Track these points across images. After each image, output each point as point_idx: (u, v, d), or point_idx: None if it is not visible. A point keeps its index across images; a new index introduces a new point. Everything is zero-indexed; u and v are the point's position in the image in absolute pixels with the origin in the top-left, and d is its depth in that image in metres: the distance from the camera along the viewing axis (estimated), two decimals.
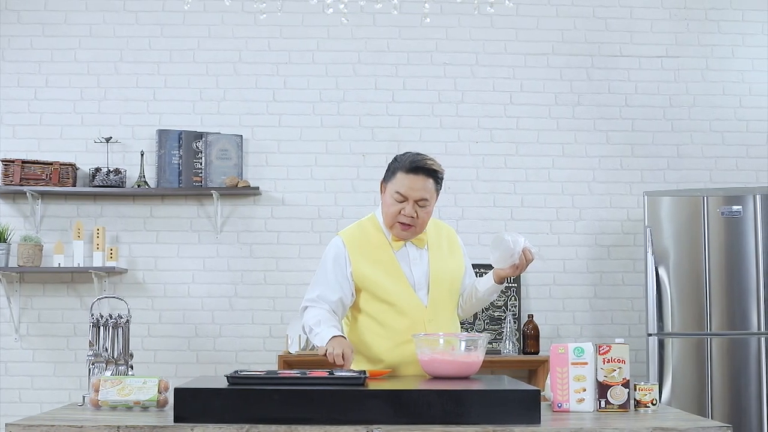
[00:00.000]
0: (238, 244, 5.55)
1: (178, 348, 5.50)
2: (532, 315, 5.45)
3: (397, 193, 3.12)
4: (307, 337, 3.23)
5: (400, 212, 3.13)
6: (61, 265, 5.36)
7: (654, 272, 5.03)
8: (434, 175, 3.15)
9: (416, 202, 3.12)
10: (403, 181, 3.12)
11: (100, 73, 5.59)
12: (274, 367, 5.31)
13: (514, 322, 5.46)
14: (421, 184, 3.12)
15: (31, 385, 5.45)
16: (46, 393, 5.42)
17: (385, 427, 2.33)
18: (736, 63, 5.76)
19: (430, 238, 3.27)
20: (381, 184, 3.24)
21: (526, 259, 3.10)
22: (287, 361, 5.10)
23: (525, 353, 5.38)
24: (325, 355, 3.01)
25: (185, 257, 5.54)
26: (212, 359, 5.48)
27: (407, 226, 3.15)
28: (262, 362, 5.45)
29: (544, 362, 5.20)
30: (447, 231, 3.38)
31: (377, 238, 3.22)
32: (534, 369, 5.39)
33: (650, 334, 5.02)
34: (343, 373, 2.61)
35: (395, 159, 3.20)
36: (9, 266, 5.35)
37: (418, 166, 3.13)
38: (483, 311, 5.48)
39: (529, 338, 5.38)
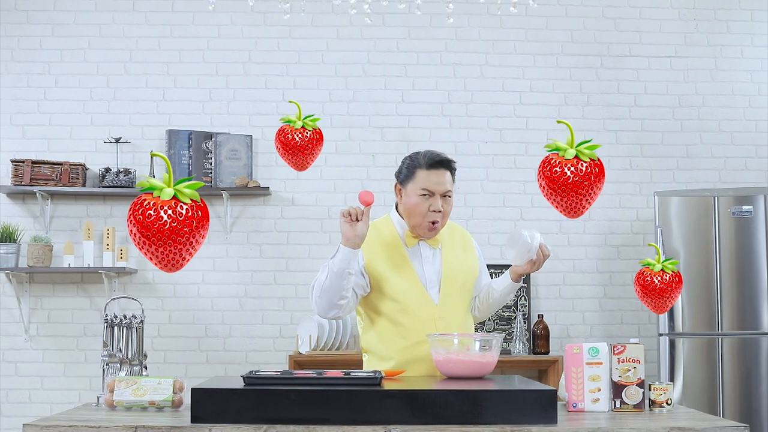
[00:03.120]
0: (247, 244, 5.55)
1: (188, 348, 5.50)
2: (542, 315, 5.45)
3: (423, 189, 3.17)
4: (326, 296, 3.11)
5: (429, 208, 3.16)
6: (71, 266, 5.36)
7: None
8: (451, 167, 3.23)
9: (442, 195, 3.18)
10: (427, 178, 3.17)
11: (109, 73, 5.60)
12: (285, 367, 5.31)
13: (524, 322, 5.45)
14: (444, 178, 3.19)
15: (41, 385, 5.45)
16: (56, 393, 5.42)
17: (402, 427, 2.33)
18: (744, 63, 5.75)
19: (443, 238, 3.29)
20: (396, 186, 3.26)
21: (543, 255, 3.12)
22: (297, 362, 5.10)
23: (535, 353, 5.37)
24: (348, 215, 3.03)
25: (195, 257, 5.51)
26: (222, 359, 5.48)
27: (435, 224, 3.18)
28: (272, 362, 5.45)
29: (555, 362, 5.20)
30: (461, 232, 3.41)
31: (390, 236, 3.24)
32: (544, 369, 5.39)
33: (661, 334, 5.02)
34: (360, 374, 2.61)
35: (410, 158, 3.24)
36: (19, 266, 5.35)
37: (438, 160, 3.19)
38: None
39: (539, 338, 5.37)
